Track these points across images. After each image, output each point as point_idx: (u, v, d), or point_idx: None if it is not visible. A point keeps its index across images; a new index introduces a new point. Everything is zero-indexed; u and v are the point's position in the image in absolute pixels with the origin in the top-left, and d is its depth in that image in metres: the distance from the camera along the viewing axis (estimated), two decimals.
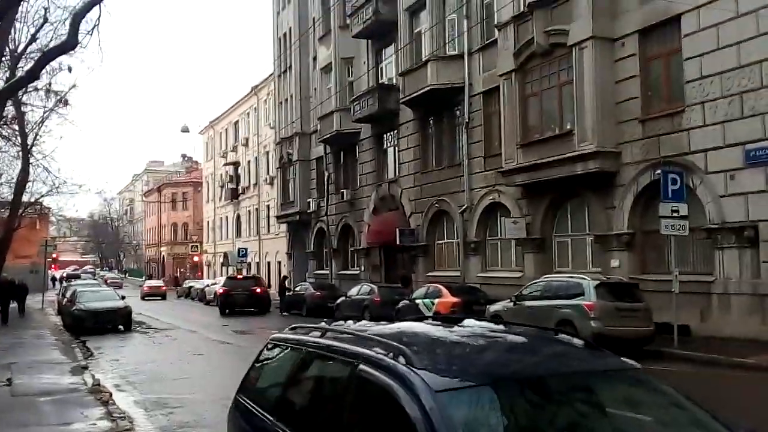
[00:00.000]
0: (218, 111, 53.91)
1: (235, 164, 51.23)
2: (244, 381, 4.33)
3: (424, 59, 23.53)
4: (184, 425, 8.09)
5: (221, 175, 55.56)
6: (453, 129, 23.85)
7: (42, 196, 31.09)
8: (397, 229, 25.29)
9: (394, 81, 27.04)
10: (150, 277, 66.75)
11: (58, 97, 27.21)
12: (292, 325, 4.33)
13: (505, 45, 19.36)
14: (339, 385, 3.33)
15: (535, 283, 15.20)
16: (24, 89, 23.02)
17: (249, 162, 48.77)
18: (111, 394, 9.44)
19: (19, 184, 29.27)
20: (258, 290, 30.08)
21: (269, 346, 4.31)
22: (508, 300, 15.38)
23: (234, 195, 51.07)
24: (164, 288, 49.47)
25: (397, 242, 25.12)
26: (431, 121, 25.04)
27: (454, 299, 17.42)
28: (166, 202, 76.18)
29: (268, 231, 44.65)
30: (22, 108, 27.09)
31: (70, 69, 22.02)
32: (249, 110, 48.74)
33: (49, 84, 24.08)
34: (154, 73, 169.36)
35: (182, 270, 71.86)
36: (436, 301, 17.76)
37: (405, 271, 26.47)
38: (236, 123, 52.14)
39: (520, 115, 18.99)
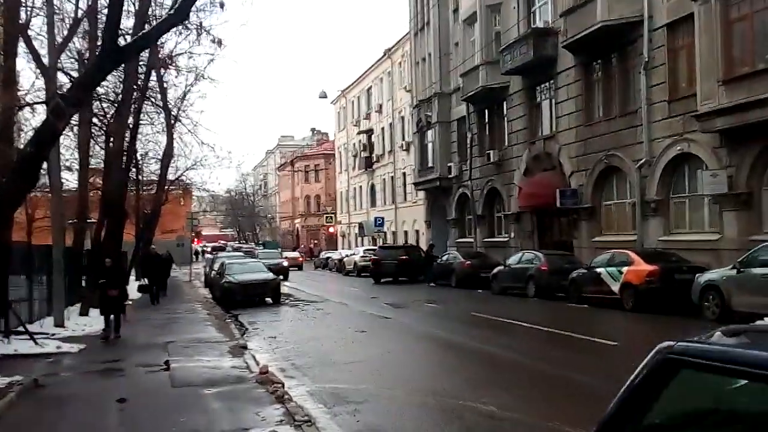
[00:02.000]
0: (349, 79, 52.72)
1: (369, 132, 49.96)
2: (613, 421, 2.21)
3: None
4: (379, 430, 6.32)
5: (354, 144, 54.63)
6: (626, 72, 20.74)
7: (186, 169, 31.29)
8: (558, 190, 22.63)
9: (551, 24, 24.17)
10: (284, 249, 67.83)
11: (200, 71, 27.00)
12: (719, 329, 2.18)
13: None
14: None
15: None
16: (169, 61, 22.69)
17: (383, 129, 47.29)
18: (283, 385, 7.85)
19: (165, 159, 29.58)
20: (411, 259, 29.21)
21: (667, 366, 2.13)
22: (730, 267, 12.56)
23: (368, 164, 49.90)
24: (301, 259, 49.49)
25: (558, 204, 22.49)
26: (597, 66, 22.01)
27: (650, 267, 14.69)
28: (300, 172, 76.81)
29: (405, 199, 43.08)
30: (164, 84, 27.00)
31: (222, 5, 20.35)
32: (382, 75, 47.10)
33: (199, 34, 23.34)
34: (280, 45, 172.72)
35: (315, 241, 72.44)
36: (625, 269, 15.13)
37: (567, 238, 23.88)
38: (369, 89, 50.75)
39: (723, 45, 15.72)
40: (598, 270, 16.06)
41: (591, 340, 11.24)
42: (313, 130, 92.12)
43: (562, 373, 8.68)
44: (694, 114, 16.70)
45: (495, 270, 21.96)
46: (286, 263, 34.03)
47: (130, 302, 13.10)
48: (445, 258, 27.37)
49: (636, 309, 14.56)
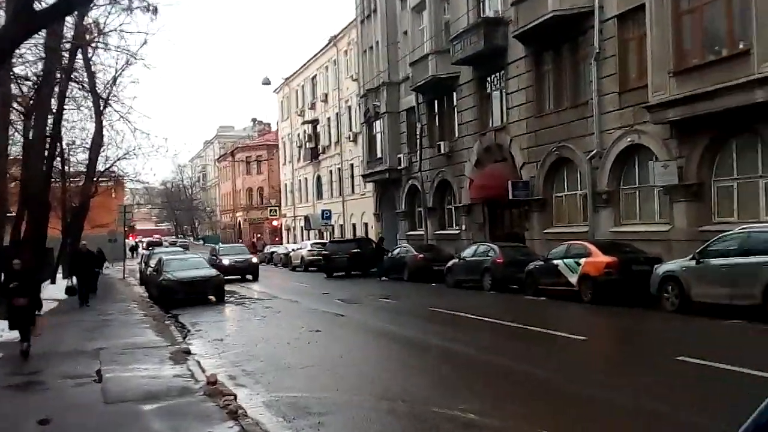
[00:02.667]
0: (293, 67, 51.59)
1: (314, 122, 49.07)
2: None
3: None
4: None
5: (299, 134, 53.62)
6: (577, 63, 20.67)
7: (118, 159, 29.67)
8: (510, 182, 22.47)
9: (501, 13, 23.95)
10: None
11: (132, 53, 25.62)
12: None
13: None
14: None
15: (727, 236, 12.17)
16: (94, 45, 21.45)
17: (329, 119, 46.50)
18: (236, 397, 7.19)
19: (94, 147, 27.84)
20: (363, 253, 28.88)
21: None
22: (689, 258, 12.50)
23: (314, 155, 49.02)
24: None
25: (510, 196, 22.33)
26: (548, 57, 21.88)
27: (608, 258, 14.56)
28: (242, 163, 75.04)
29: (353, 191, 42.49)
30: (92, 67, 25.51)
31: None
32: (328, 63, 46.24)
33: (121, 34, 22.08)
34: (220, 31, 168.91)
35: (259, 235, 71.06)
36: (583, 261, 14.97)
37: (518, 230, 23.78)
38: (314, 78, 49.79)
39: (674, 37, 15.71)
40: (556, 262, 15.89)
41: (556, 334, 10.96)
42: (254, 120, 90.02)
43: (533, 371, 8.35)
44: (646, 105, 16.69)
45: (449, 263, 21.65)
46: (255, 259, 31.22)
47: (41, 314, 11.30)
48: (396, 251, 26.95)
49: (595, 301, 14.44)
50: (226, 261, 28.71)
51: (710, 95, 14.61)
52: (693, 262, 12.23)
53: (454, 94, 27.83)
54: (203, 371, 9.10)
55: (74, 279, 19.38)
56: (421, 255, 24.65)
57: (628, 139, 18.03)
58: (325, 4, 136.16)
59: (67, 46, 20.54)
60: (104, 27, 20.03)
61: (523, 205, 23.06)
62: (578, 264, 15.06)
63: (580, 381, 7.81)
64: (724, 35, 14.76)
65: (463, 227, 27.44)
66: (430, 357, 9.80)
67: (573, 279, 15.17)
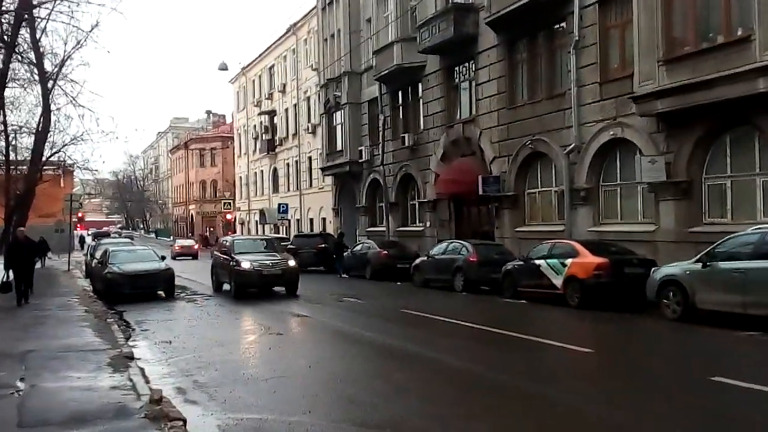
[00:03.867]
0: (250, 57, 49.63)
1: (271, 113, 47.28)
2: None
3: None
4: None
5: (255, 126, 51.72)
6: (553, 52, 19.67)
7: (65, 144, 27.66)
8: (480, 177, 21.36)
9: (471, 0, 22.86)
10: (178, 237, 64.37)
11: (80, 39, 23.98)
12: None
13: None
14: None
15: (739, 236, 11.13)
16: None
17: (287, 110, 44.79)
18: (185, 423, 5.75)
19: (40, 132, 25.88)
20: (328, 248, 27.92)
21: None
22: (693, 260, 11.46)
23: (270, 147, 47.23)
24: (196, 247, 46.48)
25: (480, 192, 21.23)
26: (522, 45, 20.86)
27: (598, 259, 13.44)
28: (195, 155, 73.03)
29: (311, 185, 40.93)
30: (40, 47, 23.63)
31: None
32: (286, 52, 44.52)
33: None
34: (173, 18, 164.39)
35: (212, 229, 69.07)
36: (569, 262, 13.85)
37: (487, 228, 22.71)
38: (271, 68, 47.97)
39: (664, 23, 14.79)
40: (538, 262, 14.75)
41: (551, 344, 9.76)
42: (208, 112, 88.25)
43: (539, 390, 7.11)
44: (631, 96, 15.75)
45: (417, 261, 20.44)
46: (293, 262, 18.90)
47: None
48: (358, 248, 25.63)
49: (583, 306, 13.32)
50: (246, 265, 17.95)
51: (705, 85, 13.68)
52: (698, 266, 11.16)
53: (420, 84, 26.63)
54: (147, 382, 7.63)
55: (10, 273, 16.47)
56: (385, 252, 23.39)
57: (611, 133, 17.08)
58: None
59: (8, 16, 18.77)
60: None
61: (492, 202, 21.99)
62: (564, 265, 13.95)
63: (601, 402, 6.63)
64: (719, 21, 13.85)
65: (428, 224, 26.28)
66: (416, 370, 8.43)
67: (557, 281, 14.05)
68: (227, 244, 20.20)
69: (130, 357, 9.46)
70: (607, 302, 13.10)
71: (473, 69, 23.09)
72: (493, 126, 21.86)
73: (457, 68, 24.43)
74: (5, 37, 18.62)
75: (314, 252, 28.10)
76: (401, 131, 28.02)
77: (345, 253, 25.91)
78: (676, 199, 15.25)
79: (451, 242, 19.84)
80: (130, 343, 11.00)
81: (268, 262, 18.24)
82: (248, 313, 14.96)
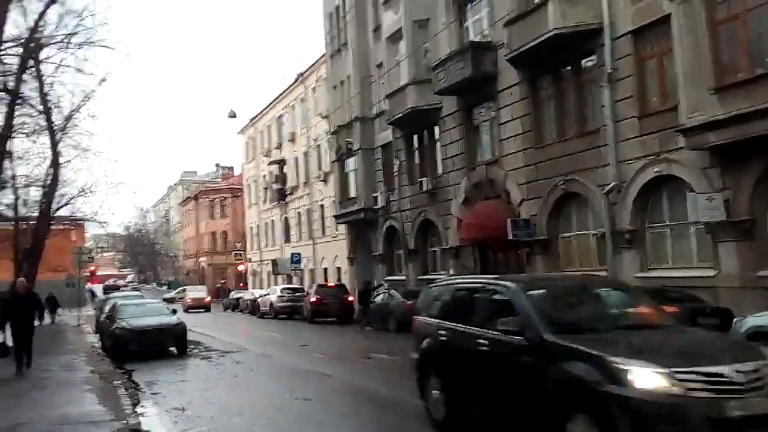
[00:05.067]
0: (258, 108, 48.99)
1: (281, 162, 46.33)
2: None
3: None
4: None
5: (265, 176, 50.79)
6: (581, 87, 18.45)
7: (73, 197, 27.39)
8: (509, 221, 19.95)
9: (487, 38, 21.82)
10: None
11: (87, 94, 23.79)
12: None
13: None
14: None
15: None
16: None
17: (297, 159, 43.80)
18: None
19: (49, 184, 25.60)
20: (350, 299, 28.07)
21: None
22: None
23: (281, 196, 46.15)
24: (209, 300, 45.11)
25: (510, 236, 19.79)
26: (546, 82, 19.66)
27: (666, 309, 11.79)
28: (205, 207, 72.51)
29: (324, 233, 39.63)
30: (48, 100, 23.13)
31: None
32: (295, 102, 43.77)
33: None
34: (182, 75, 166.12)
35: (223, 281, 67.94)
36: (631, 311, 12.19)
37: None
38: (280, 117, 47.21)
39: (711, 48, 13.51)
40: None
41: None
42: (217, 165, 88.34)
43: None
44: (678, 129, 14.38)
45: None
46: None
47: None
48: (379, 297, 24.12)
49: None
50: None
51: (764, 113, 12.33)
52: None
53: (437, 126, 25.49)
54: None
55: (7, 332, 13.80)
56: (410, 302, 21.76)
57: (655, 170, 15.67)
58: (292, 42, 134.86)
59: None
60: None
61: (522, 247, 20.54)
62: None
63: None
64: None
65: (451, 271, 24.74)
66: None
67: None
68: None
69: (137, 431, 8.06)
70: None
71: (494, 108, 21.89)
72: (519, 167, 20.54)
73: (475, 108, 23.27)
74: (9, 84, 17.84)
75: (338, 303, 27.61)
76: (418, 176, 26.79)
77: (371, 304, 24.53)
78: (738, 240, 13.75)
79: None
80: (138, 410, 9.60)
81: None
82: (269, 374, 13.50)
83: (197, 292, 47.33)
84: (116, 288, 58.11)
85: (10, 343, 13.51)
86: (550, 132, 19.58)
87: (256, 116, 51.34)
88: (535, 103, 19.96)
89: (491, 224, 21.19)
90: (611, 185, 16.82)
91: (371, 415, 9.00)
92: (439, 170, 25.40)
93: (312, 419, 8.70)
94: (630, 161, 16.43)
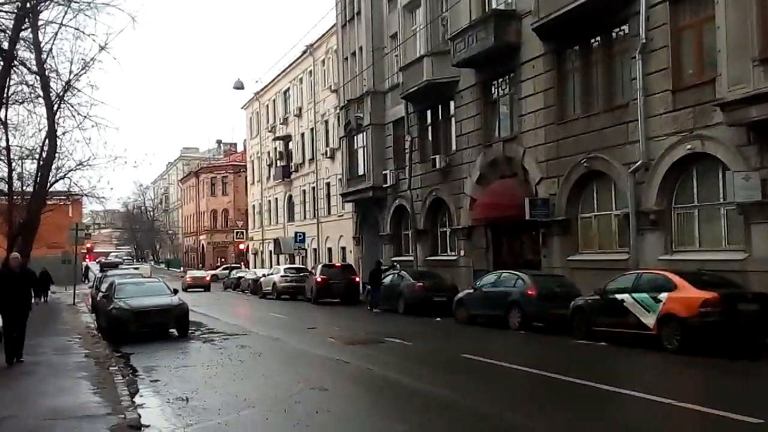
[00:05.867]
0: (263, 82, 47.83)
1: (286, 138, 45.42)
2: None
3: None
4: None
5: (269, 152, 49.89)
6: (611, 58, 17.60)
7: (71, 170, 26.11)
8: (527, 200, 19.17)
9: (512, 5, 20.93)
10: (188, 268, 62.54)
11: (86, 63, 22.71)
12: None
13: None
14: None
15: None
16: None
17: (303, 135, 42.90)
18: None
19: (45, 157, 24.38)
20: (356, 279, 27.44)
21: None
22: None
23: (285, 173, 45.26)
24: (209, 279, 44.41)
25: (527, 216, 19.01)
26: (573, 54, 18.81)
27: (705, 294, 10.99)
28: (206, 184, 71.81)
29: (329, 212, 38.82)
30: (45, 68, 22.16)
31: None
32: (302, 74, 42.77)
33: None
34: (184, 47, 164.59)
35: (222, 259, 67.26)
36: (664, 296, 11.50)
37: (532, 256, 20.45)
38: (286, 91, 46.21)
39: (759, 16, 12.68)
40: (620, 297, 12.42)
41: (695, 410, 7.46)
42: (219, 142, 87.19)
43: None
44: (716, 103, 13.58)
45: (460, 294, 18.18)
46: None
47: None
48: (387, 279, 23.35)
49: (683, 350, 10.92)
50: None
51: None
52: None
53: (452, 102, 24.62)
54: None
55: None
56: (420, 284, 21.11)
57: (687, 147, 14.85)
58: (298, 15, 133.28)
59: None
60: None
61: (539, 228, 19.77)
62: (657, 300, 11.59)
63: None
64: None
65: (462, 252, 24.03)
66: None
67: (649, 320, 11.68)
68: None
69: (137, 428, 7.28)
70: (715, 346, 10.75)
71: (515, 81, 21.04)
72: (539, 144, 19.73)
73: (495, 82, 22.41)
74: (3, 45, 16.84)
75: (344, 284, 26.85)
76: (431, 153, 25.97)
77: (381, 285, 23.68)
78: None
79: (503, 273, 17.50)
80: (137, 400, 8.82)
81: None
82: (278, 359, 12.66)
83: (198, 272, 47.16)
84: (115, 265, 57.14)
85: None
86: (574, 107, 18.77)
87: (261, 90, 50.33)
88: (559, 76, 19.11)
89: (507, 203, 20.45)
90: (638, 163, 16.02)
91: (397, 409, 8.17)
92: (453, 147, 24.59)
93: (333, 413, 7.86)
94: (660, 138, 15.62)
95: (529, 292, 15.26)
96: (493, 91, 22.60)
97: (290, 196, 45.86)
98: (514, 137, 20.98)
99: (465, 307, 17.50)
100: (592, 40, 18.10)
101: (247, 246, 57.60)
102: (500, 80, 22.12)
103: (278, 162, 46.98)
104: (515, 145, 20.88)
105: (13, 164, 25.76)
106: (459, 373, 10.48)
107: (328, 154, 38.07)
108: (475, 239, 23.25)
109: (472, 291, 17.58)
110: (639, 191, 16.15)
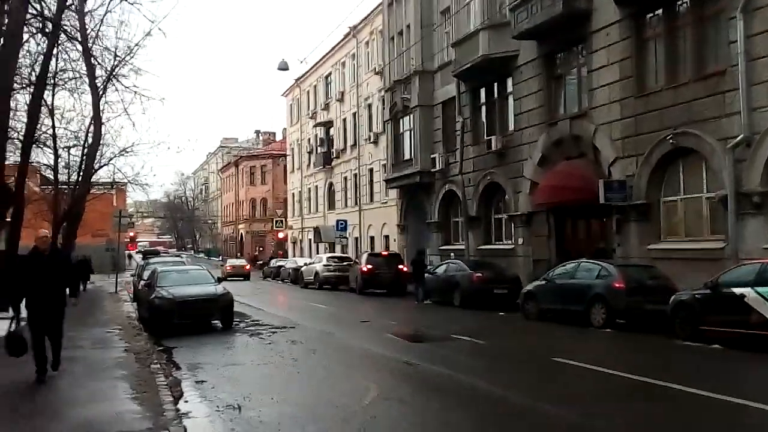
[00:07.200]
0: (303, 68, 46.28)
1: (327, 124, 43.92)
2: None
3: None
4: None
5: (309, 139, 48.51)
6: (704, 21, 15.52)
7: (114, 156, 26.17)
8: (601, 182, 17.22)
9: None
10: (228, 257, 61.80)
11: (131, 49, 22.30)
12: None
13: None
14: None
15: None
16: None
17: (345, 120, 41.33)
18: None
19: (91, 143, 24.28)
20: (403, 269, 25.82)
21: None
22: None
23: (326, 160, 43.80)
24: (248, 267, 43.34)
25: (602, 200, 17.06)
26: (655, 18, 16.76)
27: None
28: (245, 173, 71.09)
29: (372, 200, 37.20)
30: (91, 54, 21.45)
31: None
32: (345, 58, 41.15)
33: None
34: (223, 37, 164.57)
35: (261, 248, 66.45)
36: None
37: (603, 245, 18.53)
38: (328, 76, 44.66)
39: None
40: (739, 291, 10.49)
41: None
42: (257, 131, 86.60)
43: None
44: None
45: (529, 286, 16.35)
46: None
47: None
48: (441, 269, 21.62)
49: None
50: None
51: None
52: None
53: (509, 78, 22.72)
54: None
55: (22, 311, 8.69)
56: (479, 274, 19.32)
57: None
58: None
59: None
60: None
61: (612, 214, 17.82)
62: None
63: None
64: None
65: (520, 241, 22.16)
66: None
67: None
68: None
69: None
70: None
71: (584, 53, 19.06)
72: (614, 120, 17.73)
73: (559, 55, 20.46)
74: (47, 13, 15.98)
75: (392, 274, 25.49)
76: (485, 134, 24.16)
77: (426, 275, 22.01)
78: None
79: (582, 263, 15.54)
80: (182, 407, 7.37)
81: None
82: (335, 358, 11.07)
83: (237, 261, 46.33)
84: (156, 253, 56.40)
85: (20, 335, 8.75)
86: (656, 77, 16.72)
87: (302, 76, 48.88)
88: (638, 45, 17.08)
89: (576, 186, 18.55)
90: (739, 138, 13.97)
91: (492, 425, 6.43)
92: (511, 127, 22.70)
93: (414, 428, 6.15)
94: (765, 109, 13.56)
95: (616, 285, 13.35)
96: (557, 65, 20.64)
97: (331, 184, 44.41)
98: (584, 114, 19.01)
99: (535, 301, 15.65)
100: (679, 2, 16.02)
101: (286, 235, 56.49)
102: (566, 52, 20.15)
103: (319, 149, 45.54)
104: (585, 123, 18.91)
105: (60, 152, 25.69)
106: (565, 383, 8.58)
107: (372, 139, 36.43)
108: (536, 226, 21.37)
109: (543, 283, 15.72)
110: (739, 170, 14.10)
